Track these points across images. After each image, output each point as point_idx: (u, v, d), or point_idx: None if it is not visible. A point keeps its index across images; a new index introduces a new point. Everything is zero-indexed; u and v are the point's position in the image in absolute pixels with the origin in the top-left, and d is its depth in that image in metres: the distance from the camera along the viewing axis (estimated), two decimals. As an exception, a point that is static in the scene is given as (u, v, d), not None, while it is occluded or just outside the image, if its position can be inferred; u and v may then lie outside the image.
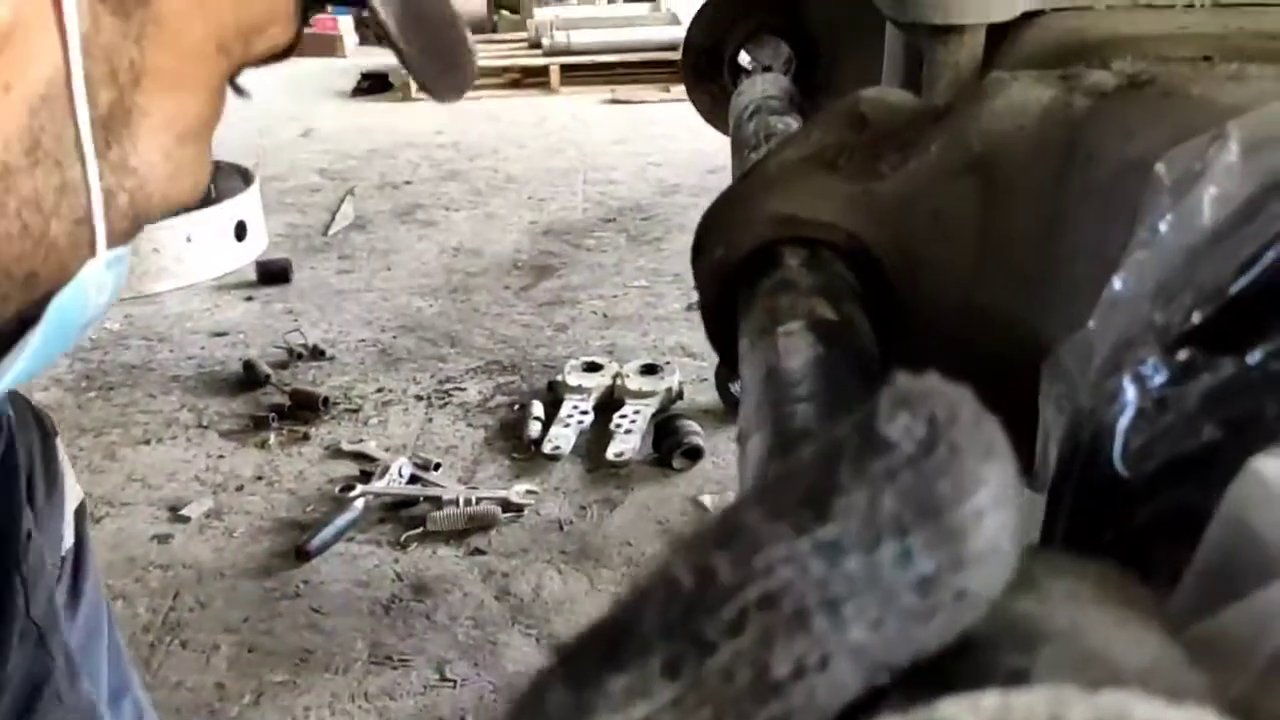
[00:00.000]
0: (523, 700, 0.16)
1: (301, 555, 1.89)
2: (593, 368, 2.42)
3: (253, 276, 3.11)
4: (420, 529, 1.96)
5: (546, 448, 2.17)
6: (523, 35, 5.76)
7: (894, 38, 0.74)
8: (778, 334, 0.42)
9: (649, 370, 2.39)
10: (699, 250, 0.52)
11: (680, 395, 2.35)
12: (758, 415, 0.36)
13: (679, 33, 5.23)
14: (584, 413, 2.27)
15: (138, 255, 2.97)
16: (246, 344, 2.73)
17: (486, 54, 5.63)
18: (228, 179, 3.45)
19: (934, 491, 0.16)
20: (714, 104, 1.00)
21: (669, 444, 2.14)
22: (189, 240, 3.06)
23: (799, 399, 0.37)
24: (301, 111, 5.03)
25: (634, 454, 2.14)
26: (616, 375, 2.36)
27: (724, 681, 0.15)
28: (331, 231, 3.51)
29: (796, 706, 0.15)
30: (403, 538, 1.94)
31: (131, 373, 2.60)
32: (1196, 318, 0.28)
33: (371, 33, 6.44)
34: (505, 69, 5.46)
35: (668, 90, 5.06)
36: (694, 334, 2.66)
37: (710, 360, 2.40)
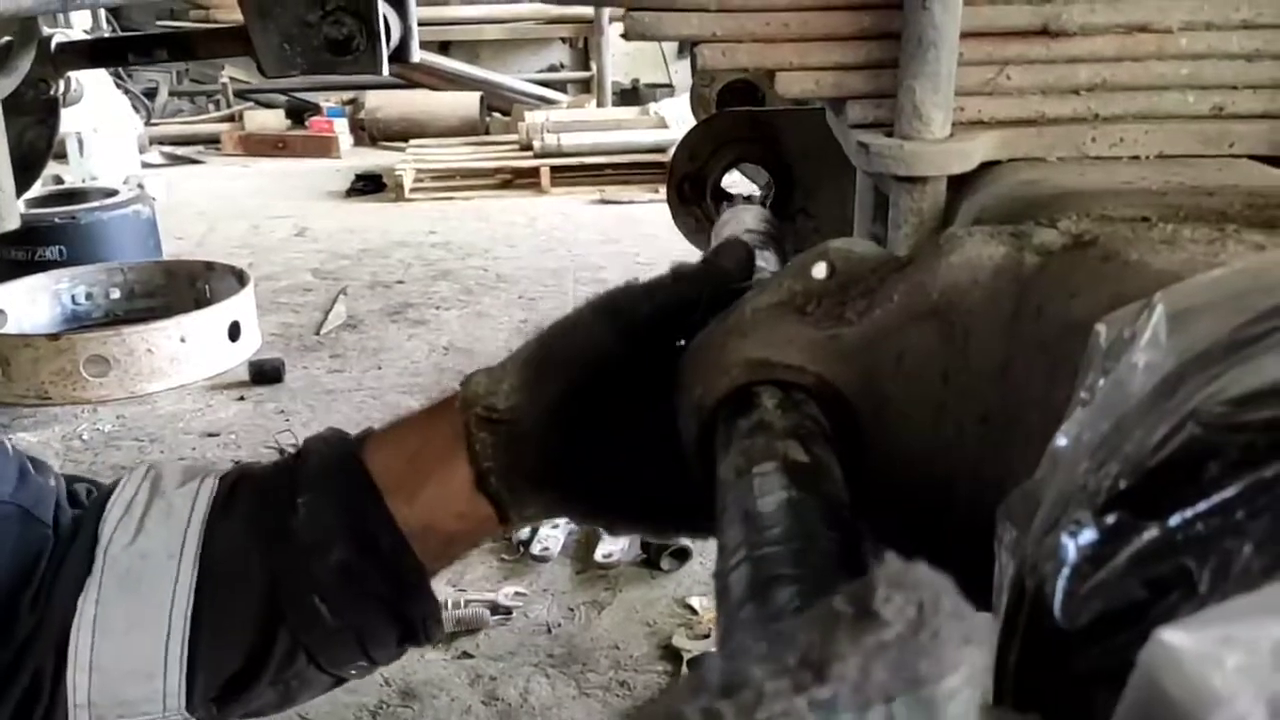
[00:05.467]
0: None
1: (288, 660, 1.88)
2: (581, 468, 2.43)
3: (245, 376, 3.14)
4: (408, 633, 1.95)
5: (535, 549, 2.17)
6: (514, 137, 5.90)
7: (864, 179, 0.79)
8: (753, 475, 0.44)
9: (637, 471, 2.41)
10: (679, 388, 0.56)
11: (668, 496, 2.36)
12: (735, 556, 0.39)
13: (666, 135, 5.40)
14: (573, 514, 2.28)
15: (132, 356, 3.00)
16: (238, 445, 2.74)
17: (478, 156, 5.77)
18: (222, 280, 3.50)
19: (918, 668, 0.19)
20: (697, 227, 1.05)
21: (657, 545, 2.15)
22: (183, 341, 3.09)
23: (773, 541, 0.39)
24: (296, 211, 5.12)
25: (622, 555, 2.15)
26: (605, 476, 2.38)
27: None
28: (324, 331, 3.55)
29: None
30: (390, 642, 1.94)
31: (122, 474, 2.60)
32: (1123, 484, 0.31)
33: (366, 135, 6.58)
34: (496, 170, 5.58)
35: (655, 191, 5.16)
36: (682, 434, 2.67)
37: (698, 461, 2.41)
